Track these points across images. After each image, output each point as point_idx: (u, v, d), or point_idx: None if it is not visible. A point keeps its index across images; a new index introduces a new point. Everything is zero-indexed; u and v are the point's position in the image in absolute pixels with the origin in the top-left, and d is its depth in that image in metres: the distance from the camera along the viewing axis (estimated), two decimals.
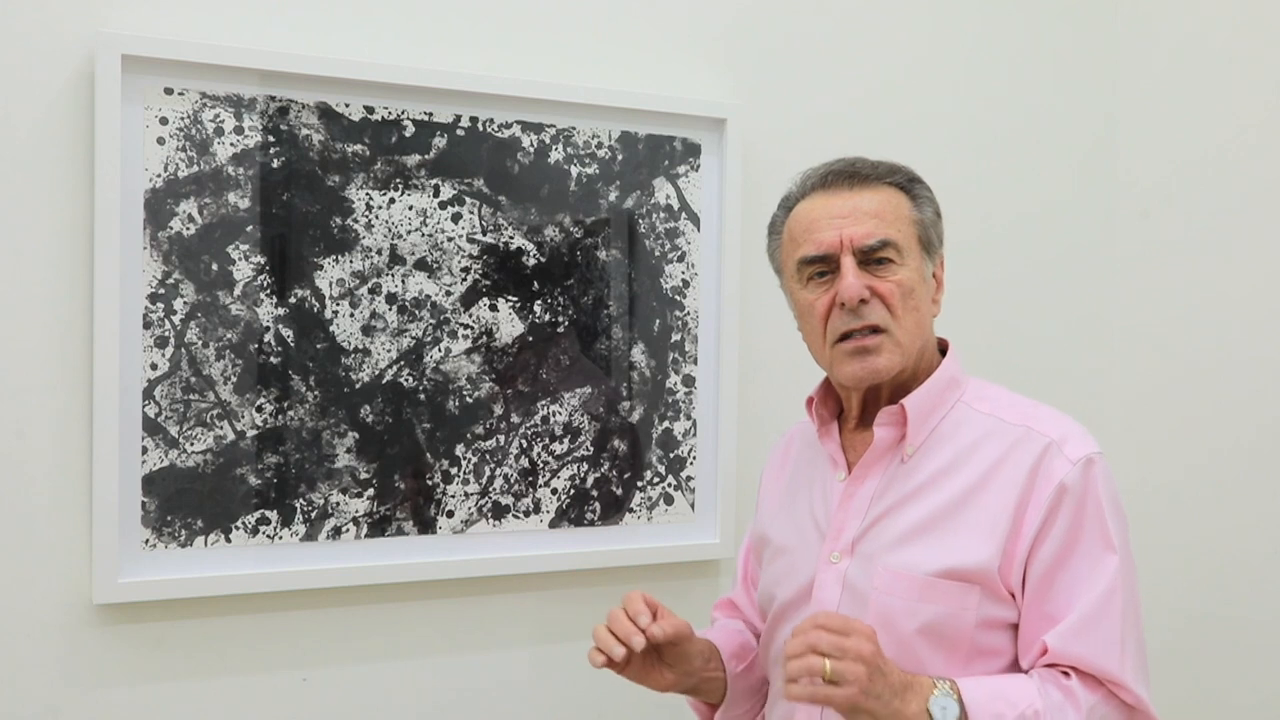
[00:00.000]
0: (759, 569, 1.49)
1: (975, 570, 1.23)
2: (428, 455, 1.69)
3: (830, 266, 1.30)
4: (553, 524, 1.77)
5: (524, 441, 1.74)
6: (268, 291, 1.59)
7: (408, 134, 1.67)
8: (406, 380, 1.67)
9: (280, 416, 1.60)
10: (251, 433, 1.59)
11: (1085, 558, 1.22)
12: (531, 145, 1.74)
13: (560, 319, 1.77)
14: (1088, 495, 1.23)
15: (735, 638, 1.51)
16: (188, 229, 1.55)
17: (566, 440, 1.77)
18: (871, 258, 1.28)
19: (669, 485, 1.85)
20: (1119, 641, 1.20)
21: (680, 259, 1.84)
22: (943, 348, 1.38)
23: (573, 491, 1.78)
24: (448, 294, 1.69)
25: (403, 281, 1.66)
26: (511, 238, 1.73)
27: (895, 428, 1.31)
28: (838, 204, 1.30)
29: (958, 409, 1.32)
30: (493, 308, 1.72)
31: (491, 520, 1.73)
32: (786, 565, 1.39)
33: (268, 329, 1.59)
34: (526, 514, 1.75)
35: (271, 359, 1.60)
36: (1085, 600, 1.20)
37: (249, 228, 1.58)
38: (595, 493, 1.79)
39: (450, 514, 1.70)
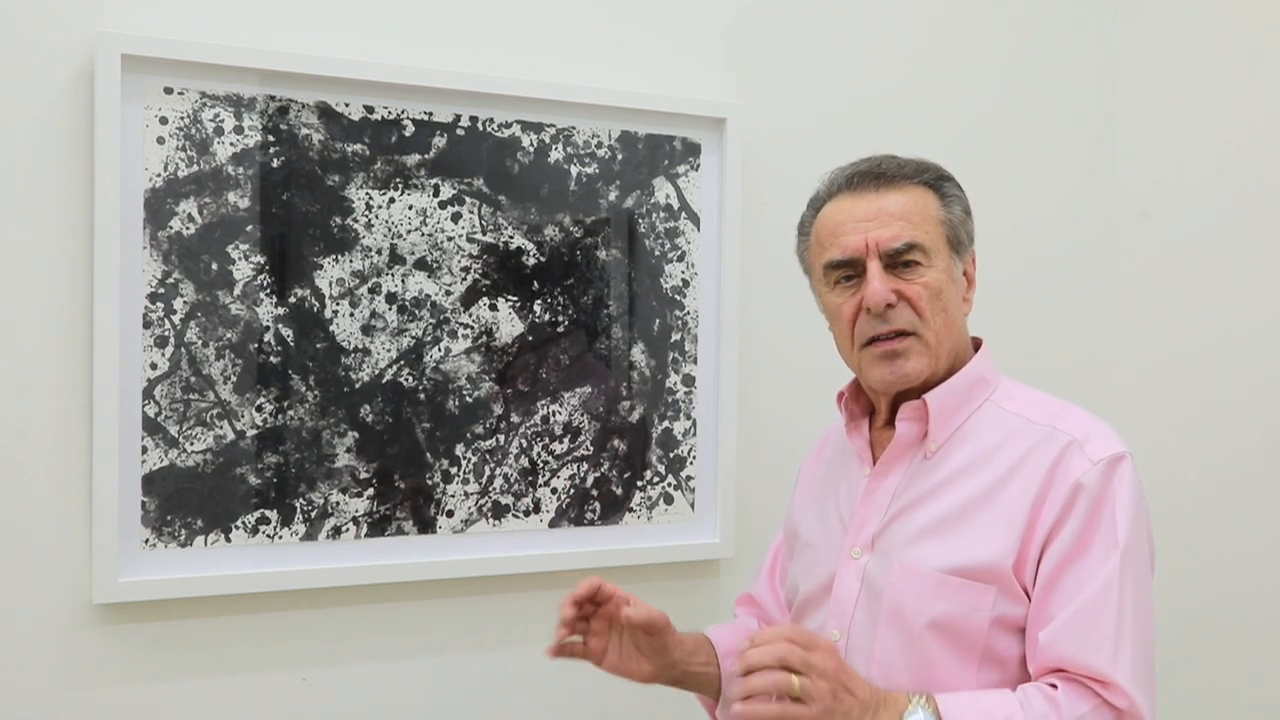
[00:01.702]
0: (790, 562, 1.49)
1: (988, 568, 1.22)
2: (428, 455, 1.69)
3: (856, 270, 1.28)
4: (553, 524, 1.77)
5: (524, 441, 1.74)
6: (268, 291, 1.59)
7: (408, 134, 1.67)
8: (406, 380, 1.67)
9: (280, 416, 1.60)
10: (251, 432, 1.59)
11: (1092, 558, 1.20)
12: (531, 145, 1.74)
13: (560, 319, 1.76)
14: (1105, 496, 1.21)
15: (741, 635, 1.49)
16: (188, 229, 1.55)
17: (566, 440, 1.77)
18: (898, 260, 1.27)
19: (669, 485, 1.85)
20: (1113, 640, 1.16)
21: (680, 259, 1.84)
22: (976, 345, 1.37)
23: (573, 491, 1.78)
24: (448, 294, 1.69)
25: (403, 281, 1.66)
26: (511, 237, 1.73)
27: (918, 423, 1.30)
28: (863, 207, 1.28)
29: (985, 408, 1.31)
30: (493, 307, 1.72)
31: (491, 520, 1.73)
32: (811, 559, 1.39)
33: (268, 329, 1.59)
34: (526, 514, 1.75)
35: (271, 359, 1.60)
36: (1081, 597, 1.18)
37: (249, 227, 1.58)
38: (595, 492, 1.79)
39: (450, 514, 1.70)
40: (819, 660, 1.12)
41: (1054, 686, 1.18)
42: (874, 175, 1.30)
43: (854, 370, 1.34)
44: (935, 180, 1.32)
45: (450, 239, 1.69)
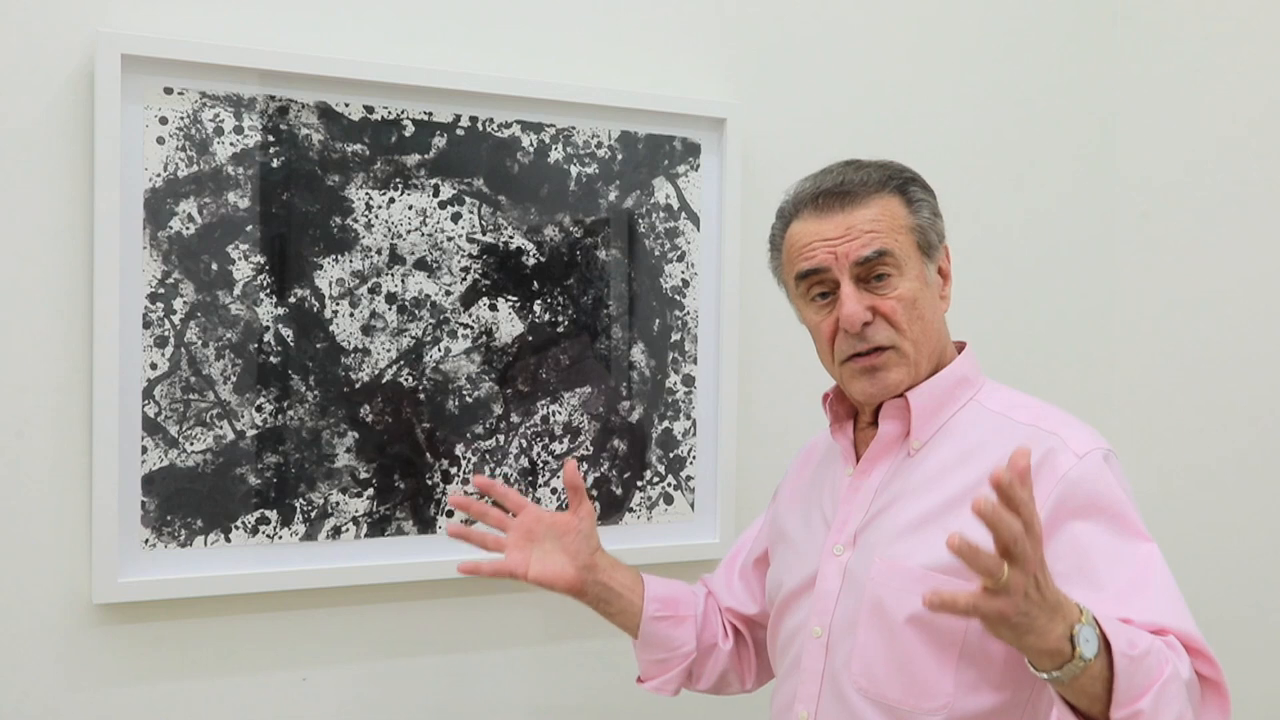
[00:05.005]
0: (773, 562, 1.49)
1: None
2: (428, 455, 1.69)
3: (830, 287, 1.30)
4: None
5: (524, 441, 1.74)
6: (267, 291, 1.59)
7: (407, 134, 1.67)
8: (406, 380, 1.67)
9: (280, 416, 1.60)
10: (251, 432, 1.58)
11: (1108, 547, 1.19)
12: (531, 145, 1.74)
13: (560, 319, 1.76)
14: (1098, 486, 1.21)
15: (676, 588, 1.52)
16: (187, 229, 1.55)
17: (566, 440, 1.77)
18: (871, 274, 1.28)
19: (669, 485, 1.85)
20: (1185, 613, 1.16)
21: (680, 259, 1.84)
22: (960, 348, 1.38)
23: None
24: (447, 294, 1.69)
25: (402, 281, 1.66)
26: (511, 237, 1.73)
27: (900, 422, 1.32)
28: (830, 227, 1.29)
29: (969, 407, 1.33)
30: (492, 307, 1.72)
31: None
32: (794, 556, 1.40)
33: (267, 329, 1.59)
34: None
35: (271, 359, 1.60)
36: (1142, 580, 1.17)
37: (249, 227, 1.58)
38: (595, 492, 1.79)
39: (450, 514, 1.70)
40: (1030, 551, 0.98)
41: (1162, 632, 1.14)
42: (839, 194, 1.30)
43: (836, 381, 1.37)
44: (901, 185, 1.32)
45: (450, 239, 1.69)
